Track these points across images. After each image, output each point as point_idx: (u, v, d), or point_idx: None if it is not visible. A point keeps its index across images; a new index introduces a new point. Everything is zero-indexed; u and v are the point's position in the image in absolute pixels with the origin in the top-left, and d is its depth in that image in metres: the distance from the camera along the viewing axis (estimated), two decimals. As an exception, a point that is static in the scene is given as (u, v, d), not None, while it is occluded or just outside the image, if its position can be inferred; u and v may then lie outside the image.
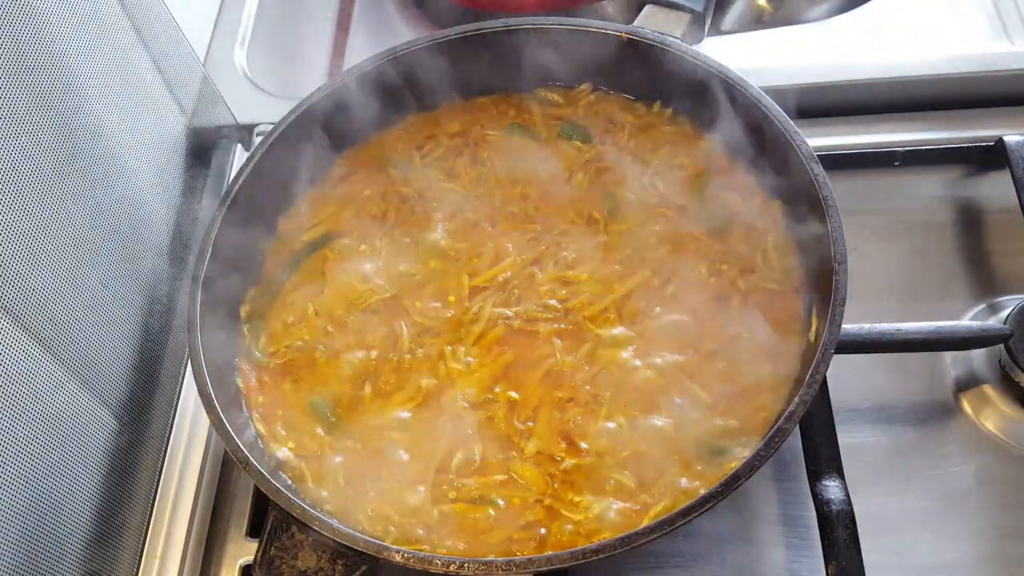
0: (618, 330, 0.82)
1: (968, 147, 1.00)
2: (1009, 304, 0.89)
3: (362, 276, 0.88)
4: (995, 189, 0.99)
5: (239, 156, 1.07)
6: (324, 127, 0.93)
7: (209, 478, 0.87)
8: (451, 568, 0.65)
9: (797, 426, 0.69)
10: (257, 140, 0.92)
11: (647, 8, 0.96)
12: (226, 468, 0.89)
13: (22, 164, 0.68)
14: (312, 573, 0.68)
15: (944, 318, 0.89)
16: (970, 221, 0.99)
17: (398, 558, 0.66)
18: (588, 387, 0.79)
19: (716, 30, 1.22)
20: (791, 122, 0.83)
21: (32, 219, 0.69)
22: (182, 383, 0.92)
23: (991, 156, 0.99)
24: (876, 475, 0.83)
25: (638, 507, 0.73)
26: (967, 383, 0.88)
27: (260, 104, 1.10)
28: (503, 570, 0.65)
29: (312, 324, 0.86)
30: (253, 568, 0.70)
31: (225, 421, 0.74)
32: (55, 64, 0.73)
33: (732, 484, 0.65)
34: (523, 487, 0.75)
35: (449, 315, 0.85)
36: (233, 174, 0.91)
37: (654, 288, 0.84)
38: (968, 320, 0.91)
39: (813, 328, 0.78)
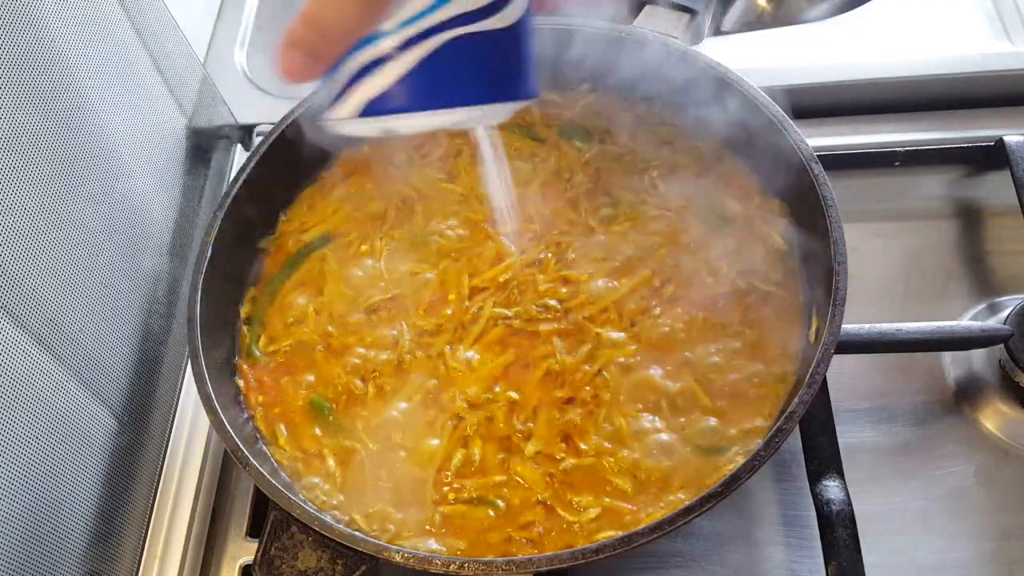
0: (618, 331, 0.82)
1: (968, 147, 1.00)
2: (1009, 304, 0.89)
3: (362, 276, 0.88)
4: (995, 189, 0.99)
5: (239, 156, 1.07)
6: (324, 127, 0.92)
7: (209, 478, 0.87)
8: (451, 568, 0.65)
9: (797, 426, 0.69)
10: (257, 140, 0.92)
11: (647, 8, 0.96)
12: (226, 468, 0.89)
13: (22, 164, 0.68)
14: (312, 573, 0.68)
15: (944, 318, 0.89)
16: (970, 221, 0.99)
17: (398, 558, 0.66)
18: (588, 387, 0.79)
19: (716, 30, 1.22)
20: (791, 122, 0.83)
21: (32, 219, 0.69)
22: (182, 383, 0.92)
23: (991, 156, 0.99)
24: (876, 475, 0.83)
25: (638, 507, 0.73)
26: (967, 383, 0.88)
27: (260, 104, 1.10)
28: (503, 570, 0.65)
29: (312, 324, 0.86)
30: (253, 568, 0.70)
31: (225, 421, 0.74)
32: (55, 64, 0.73)
33: (732, 484, 0.65)
34: (523, 487, 0.75)
35: (449, 315, 0.85)
36: (233, 174, 0.91)
37: (654, 288, 0.84)
38: (968, 320, 0.91)
39: (813, 328, 0.78)
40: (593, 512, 0.73)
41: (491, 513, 0.74)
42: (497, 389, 0.80)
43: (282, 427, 0.81)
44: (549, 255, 0.87)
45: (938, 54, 1.05)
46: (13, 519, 0.66)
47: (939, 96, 1.03)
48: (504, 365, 0.81)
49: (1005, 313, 0.86)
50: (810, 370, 0.70)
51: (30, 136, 0.69)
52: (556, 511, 0.74)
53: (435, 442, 0.78)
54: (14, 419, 0.66)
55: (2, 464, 0.65)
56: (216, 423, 0.74)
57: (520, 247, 0.88)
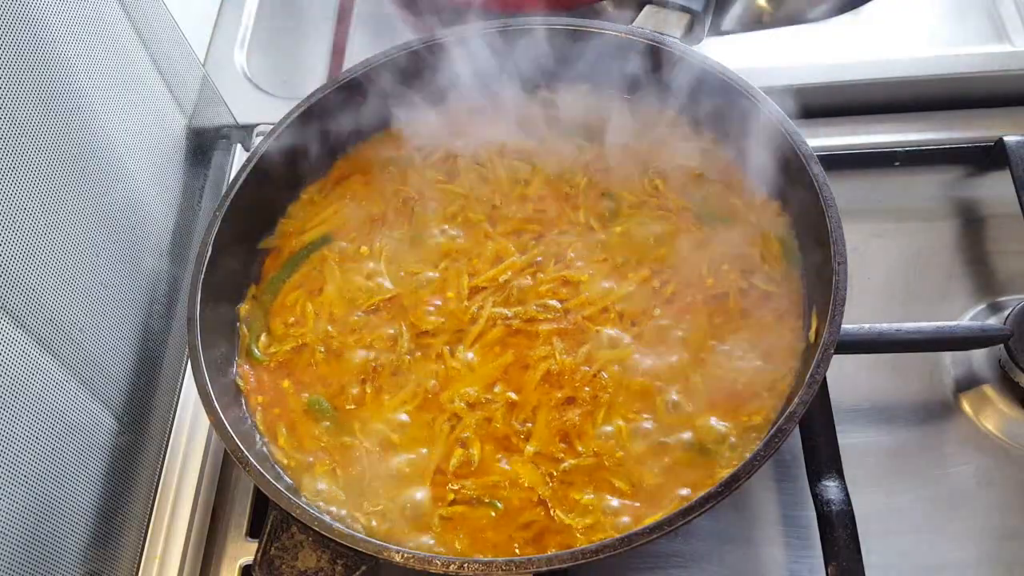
0: (617, 330, 0.82)
1: (968, 147, 1.00)
2: (1009, 304, 0.89)
3: (362, 276, 0.88)
4: (995, 189, 0.99)
5: (239, 156, 1.07)
6: (324, 127, 0.93)
7: (209, 478, 0.87)
8: (451, 568, 0.65)
9: (797, 426, 0.69)
10: (257, 140, 0.92)
11: (647, 8, 0.96)
12: (226, 468, 0.89)
13: (22, 164, 0.68)
14: (312, 573, 0.69)
15: (944, 318, 0.89)
16: (970, 221, 0.99)
17: (398, 558, 0.66)
18: (587, 388, 0.79)
19: (716, 30, 1.22)
20: (791, 122, 0.83)
21: (32, 219, 0.69)
22: (182, 383, 0.92)
23: (991, 156, 0.99)
24: (876, 475, 0.83)
25: (637, 506, 0.73)
26: (967, 383, 0.88)
27: (260, 104, 1.10)
28: (503, 570, 0.65)
29: (312, 324, 0.86)
30: (253, 568, 0.70)
31: (225, 421, 0.74)
32: (55, 64, 0.73)
33: (732, 484, 0.65)
34: (522, 488, 0.75)
35: (449, 315, 0.85)
36: (233, 174, 0.91)
37: (654, 288, 0.84)
38: (968, 320, 0.91)
39: (813, 328, 0.78)
40: (593, 512, 0.73)
41: (490, 513, 0.74)
42: (496, 389, 0.80)
43: (282, 427, 0.81)
44: (549, 255, 0.87)
45: (938, 54, 1.05)
46: (12, 519, 0.66)
47: (939, 96, 1.03)
48: (503, 366, 0.81)
49: (1005, 313, 0.86)
50: (810, 370, 0.70)
51: (30, 136, 0.69)
52: (556, 511, 0.74)
53: (434, 442, 0.78)
54: (14, 419, 0.66)
55: (2, 464, 0.65)
56: (216, 423, 0.74)
57: (520, 247, 0.88)
